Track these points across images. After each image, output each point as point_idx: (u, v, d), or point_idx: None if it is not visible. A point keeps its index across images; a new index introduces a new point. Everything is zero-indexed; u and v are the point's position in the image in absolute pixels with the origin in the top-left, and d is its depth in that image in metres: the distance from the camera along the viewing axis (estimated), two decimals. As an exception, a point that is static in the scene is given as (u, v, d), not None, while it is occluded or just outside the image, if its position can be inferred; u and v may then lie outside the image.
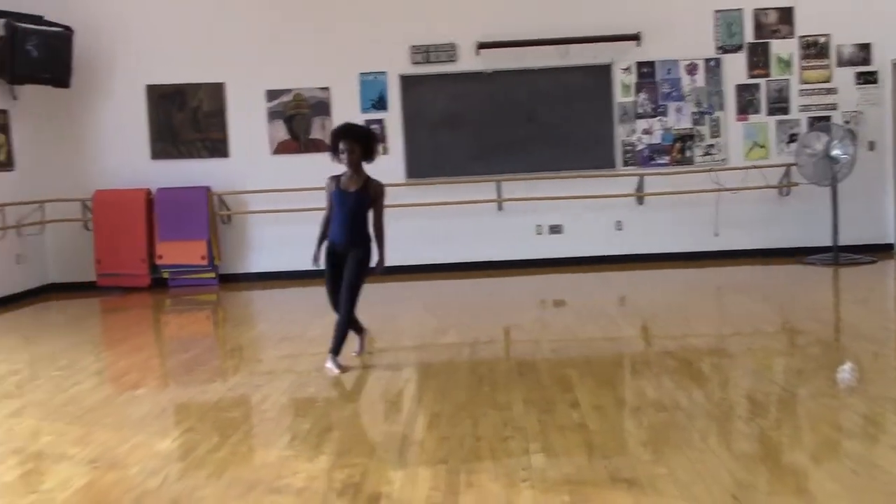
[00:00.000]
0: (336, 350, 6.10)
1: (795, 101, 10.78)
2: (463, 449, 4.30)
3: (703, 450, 4.15)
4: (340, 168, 6.20)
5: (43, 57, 10.03)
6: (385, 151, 10.82)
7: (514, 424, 4.65)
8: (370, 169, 6.26)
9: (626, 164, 10.86)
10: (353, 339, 6.41)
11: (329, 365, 6.04)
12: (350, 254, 6.09)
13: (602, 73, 10.77)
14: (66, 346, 7.53)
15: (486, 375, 5.78)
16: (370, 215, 6.17)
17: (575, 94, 10.78)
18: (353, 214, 6.10)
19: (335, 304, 6.19)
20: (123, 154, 10.87)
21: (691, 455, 4.06)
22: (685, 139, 10.84)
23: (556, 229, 10.98)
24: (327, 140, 10.72)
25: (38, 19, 10.12)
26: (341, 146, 6.07)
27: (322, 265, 6.19)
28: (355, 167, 6.10)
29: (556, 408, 4.92)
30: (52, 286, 10.87)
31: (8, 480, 4.25)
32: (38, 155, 10.69)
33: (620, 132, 10.84)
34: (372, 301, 9.41)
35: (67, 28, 10.34)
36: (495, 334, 7.40)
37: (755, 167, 10.62)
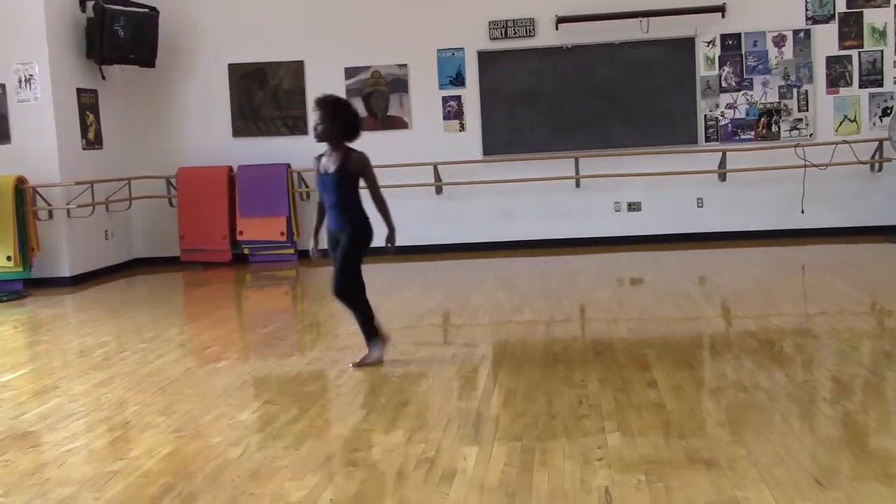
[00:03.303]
0: (370, 336, 5.67)
1: (890, 73, 10.35)
2: (538, 426, 4.29)
3: (785, 432, 4.04)
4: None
5: (130, 37, 10.29)
6: (462, 128, 10.81)
7: (590, 403, 4.61)
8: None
9: (708, 139, 10.61)
10: (363, 348, 5.78)
11: (373, 354, 5.64)
12: (342, 237, 5.58)
13: (684, 47, 10.52)
14: (151, 320, 7.76)
15: (561, 353, 5.75)
16: (360, 192, 5.57)
17: (656, 68, 10.56)
18: (337, 195, 5.52)
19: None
20: (206, 132, 11.10)
21: (772, 437, 3.96)
22: (771, 113, 10.53)
23: (634, 207, 10.81)
24: (405, 117, 10.89)
25: (125, 0, 10.37)
26: (315, 118, 5.52)
27: (317, 257, 5.86)
28: (330, 143, 5.53)
29: (633, 387, 4.85)
30: (138, 261, 11.21)
31: (97, 447, 4.41)
32: (125, 133, 11.00)
33: (703, 107, 10.59)
34: (448, 278, 9.46)
35: (153, 9, 10.57)
36: (571, 312, 7.33)
37: (845, 142, 10.26)
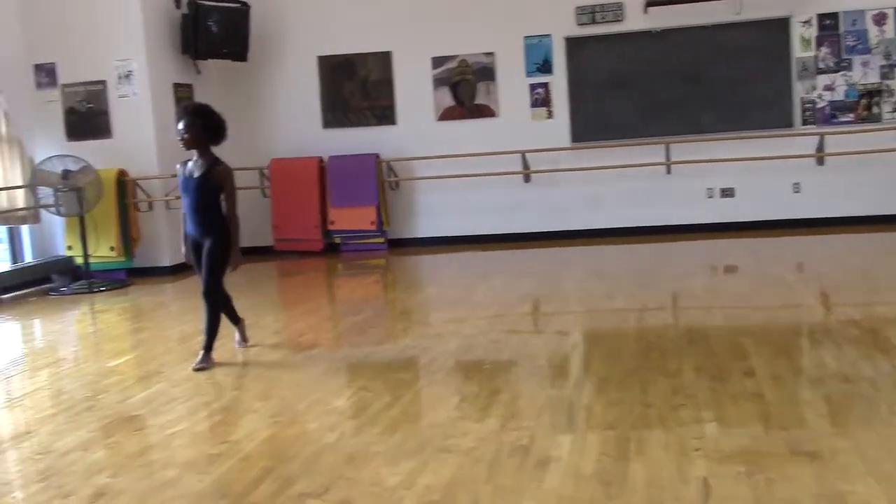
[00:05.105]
0: (208, 347, 5.72)
1: None
2: (632, 415, 4.24)
3: (892, 424, 3.91)
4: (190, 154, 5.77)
5: (222, 32, 10.55)
6: (550, 115, 10.74)
7: (685, 392, 4.53)
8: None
9: (805, 122, 10.29)
10: (233, 331, 6.20)
11: (199, 364, 5.66)
12: (205, 242, 5.70)
13: (779, 28, 10.21)
14: (246, 308, 7.87)
15: (654, 342, 5.67)
16: (223, 201, 5.72)
17: (749, 50, 10.27)
18: (199, 202, 5.66)
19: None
20: (297, 123, 11.30)
21: (879, 429, 3.83)
22: (872, 95, 10.14)
23: (727, 193, 10.56)
24: (492, 105, 10.88)
25: (217, -4, 10.62)
26: (179, 127, 5.63)
27: (191, 259, 5.88)
28: (197, 149, 5.65)
29: (730, 376, 4.75)
30: (234, 251, 11.46)
31: (200, 430, 4.56)
32: (220, 126, 11.26)
33: (799, 89, 10.27)
34: (538, 266, 9.43)
35: (244, 4, 10.80)
36: (664, 300, 7.22)
37: (952, 123, 9.82)
